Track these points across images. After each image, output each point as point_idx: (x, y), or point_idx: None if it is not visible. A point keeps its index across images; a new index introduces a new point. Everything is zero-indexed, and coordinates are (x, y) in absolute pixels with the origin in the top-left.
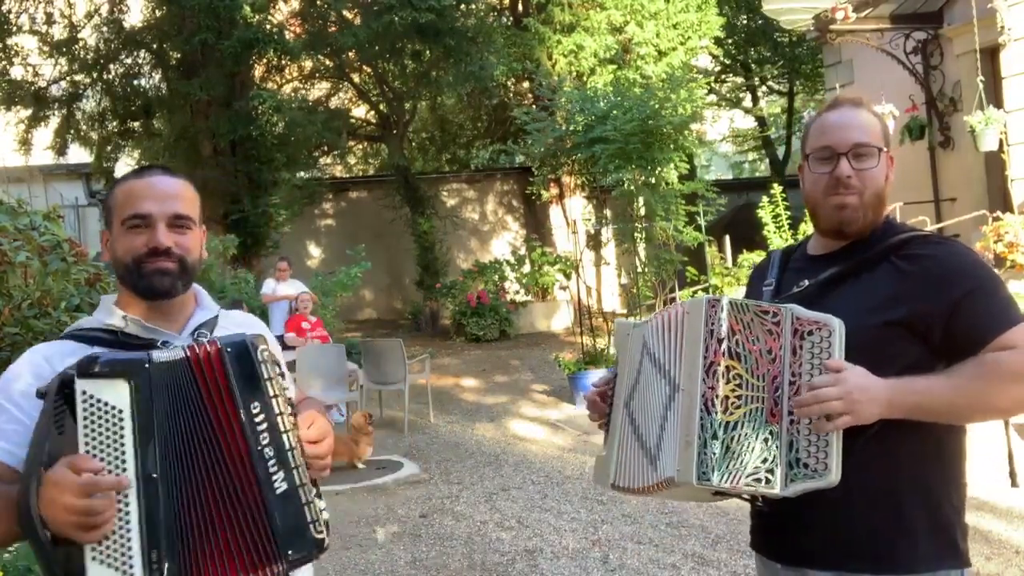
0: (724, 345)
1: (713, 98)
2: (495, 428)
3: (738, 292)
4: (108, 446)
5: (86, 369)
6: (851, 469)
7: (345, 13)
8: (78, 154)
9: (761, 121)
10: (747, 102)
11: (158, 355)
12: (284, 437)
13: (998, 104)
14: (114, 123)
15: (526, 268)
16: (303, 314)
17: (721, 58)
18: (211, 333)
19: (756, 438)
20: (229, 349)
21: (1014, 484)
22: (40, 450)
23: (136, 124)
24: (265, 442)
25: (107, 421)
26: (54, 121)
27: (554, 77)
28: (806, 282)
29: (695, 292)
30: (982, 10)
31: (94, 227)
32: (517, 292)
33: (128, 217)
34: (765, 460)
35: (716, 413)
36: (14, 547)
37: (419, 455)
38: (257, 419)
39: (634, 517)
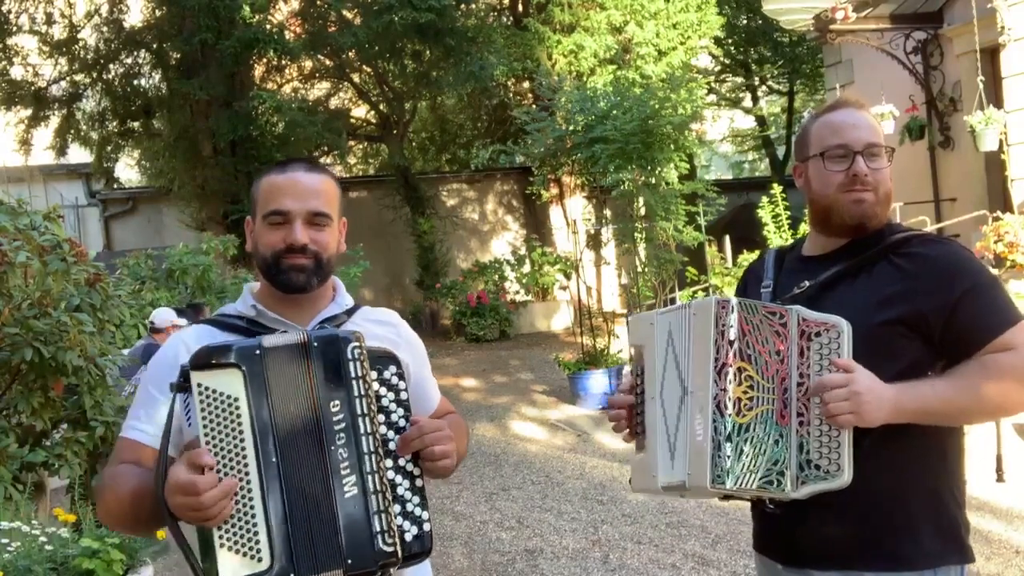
0: (735, 347)
1: (713, 98)
2: (495, 428)
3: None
4: (227, 435)
5: (200, 361)
6: (857, 468)
7: (345, 13)
8: (78, 154)
9: (761, 121)
10: (747, 102)
11: (269, 340)
12: (364, 439)
13: (998, 104)
14: (114, 123)
15: (526, 268)
16: None
17: (721, 58)
18: (336, 328)
19: (767, 440)
20: (316, 344)
21: (999, 480)
22: (166, 442)
23: (136, 124)
24: (341, 442)
25: (224, 410)
26: (54, 121)
27: (554, 77)
28: (806, 283)
29: (695, 292)
30: (982, 10)
31: (94, 227)
32: (517, 292)
33: (269, 213)
34: (776, 462)
35: (728, 415)
36: (14, 547)
37: None
38: (336, 418)
39: (634, 517)
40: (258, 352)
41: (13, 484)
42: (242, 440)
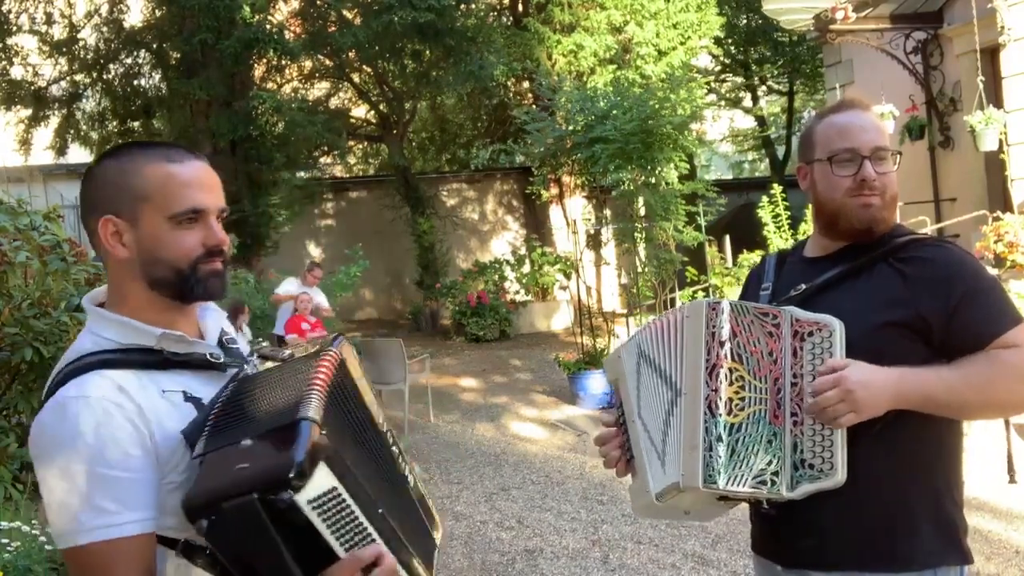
0: (726, 347)
1: (713, 98)
2: (495, 428)
3: (737, 292)
4: (351, 528)
5: (294, 480)
6: (855, 469)
7: (345, 13)
8: (78, 154)
9: (761, 121)
10: (747, 102)
11: (307, 409)
12: (391, 432)
13: (998, 104)
14: (114, 123)
15: (526, 268)
16: (303, 315)
17: (721, 58)
18: (233, 338)
19: (760, 440)
20: (342, 362)
21: (1012, 480)
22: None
23: (136, 124)
24: (391, 441)
25: (337, 510)
26: (54, 121)
27: (554, 77)
28: (803, 286)
29: (695, 292)
30: (982, 10)
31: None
32: (517, 292)
33: (182, 212)
34: (770, 462)
35: (720, 416)
36: (13, 547)
37: (419, 455)
38: (379, 420)
39: (634, 517)
40: (322, 431)
41: (13, 484)
42: (361, 524)
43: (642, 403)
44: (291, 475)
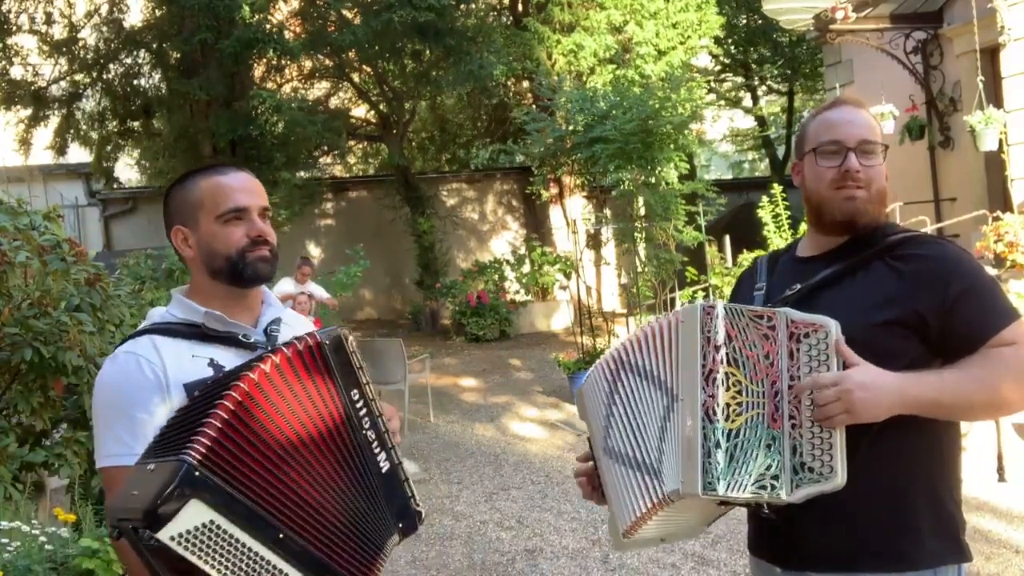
0: (722, 352)
1: (713, 98)
2: (495, 428)
3: None
4: (233, 554)
5: (156, 519)
6: (855, 469)
7: (345, 12)
8: (78, 154)
9: (761, 121)
10: (747, 102)
11: (191, 449)
12: (380, 421)
13: (998, 104)
14: (114, 123)
15: (526, 268)
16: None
17: (721, 58)
18: (280, 329)
19: (759, 444)
20: (327, 342)
21: (1001, 479)
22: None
23: (136, 124)
24: (367, 426)
25: (213, 540)
26: (54, 121)
27: (554, 77)
28: (798, 285)
29: (695, 292)
30: (982, 10)
31: (94, 227)
32: (517, 292)
33: (226, 211)
34: (769, 467)
35: (718, 421)
36: (13, 547)
37: (419, 455)
38: (358, 405)
39: None
40: (196, 473)
41: (13, 484)
42: (245, 546)
43: (612, 429)
44: (152, 516)
